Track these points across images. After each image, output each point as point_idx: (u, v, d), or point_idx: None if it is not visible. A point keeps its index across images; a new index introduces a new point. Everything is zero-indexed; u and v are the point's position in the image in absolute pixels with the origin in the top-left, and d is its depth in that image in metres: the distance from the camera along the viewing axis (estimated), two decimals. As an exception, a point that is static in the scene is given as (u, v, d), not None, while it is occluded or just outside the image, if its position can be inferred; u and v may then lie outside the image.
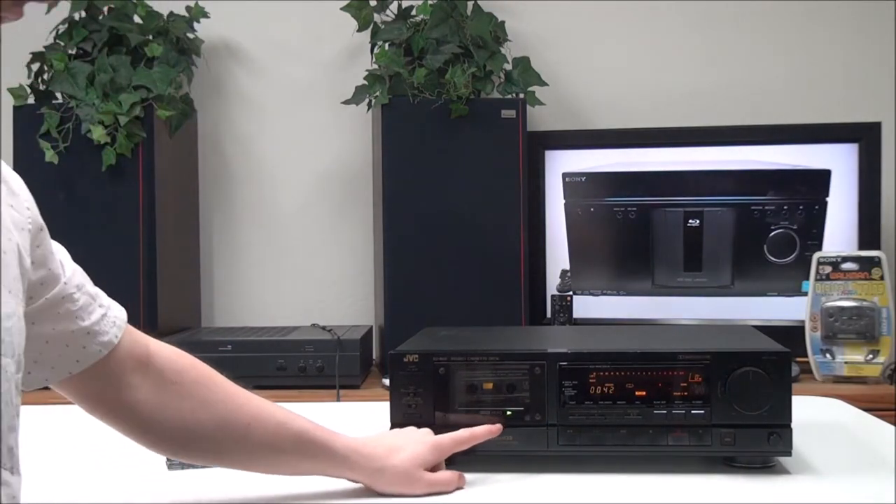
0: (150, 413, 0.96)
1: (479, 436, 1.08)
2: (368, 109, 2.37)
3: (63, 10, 2.32)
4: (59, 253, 0.92)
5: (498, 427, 1.09)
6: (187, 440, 0.98)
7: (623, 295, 2.39)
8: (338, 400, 2.09)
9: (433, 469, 1.06)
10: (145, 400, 0.95)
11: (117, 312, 0.96)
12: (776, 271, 2.31)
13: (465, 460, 1.10)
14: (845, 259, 2.15)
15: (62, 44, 2.32)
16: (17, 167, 2.27)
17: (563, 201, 2.38)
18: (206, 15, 2.45)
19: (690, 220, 2.34)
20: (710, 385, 1.08)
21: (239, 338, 2.23)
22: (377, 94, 2.28)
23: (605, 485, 1.07)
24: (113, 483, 1.02)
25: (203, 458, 1.01)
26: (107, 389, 0.94)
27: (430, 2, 2.32)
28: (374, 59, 2.33)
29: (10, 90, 2.29)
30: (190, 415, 0.97)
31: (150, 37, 2.36)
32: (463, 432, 1.08)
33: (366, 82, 2.32)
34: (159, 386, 0.96)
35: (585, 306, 2.37)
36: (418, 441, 1.07)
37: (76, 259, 0.94)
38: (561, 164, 2.39)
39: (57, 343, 0.90)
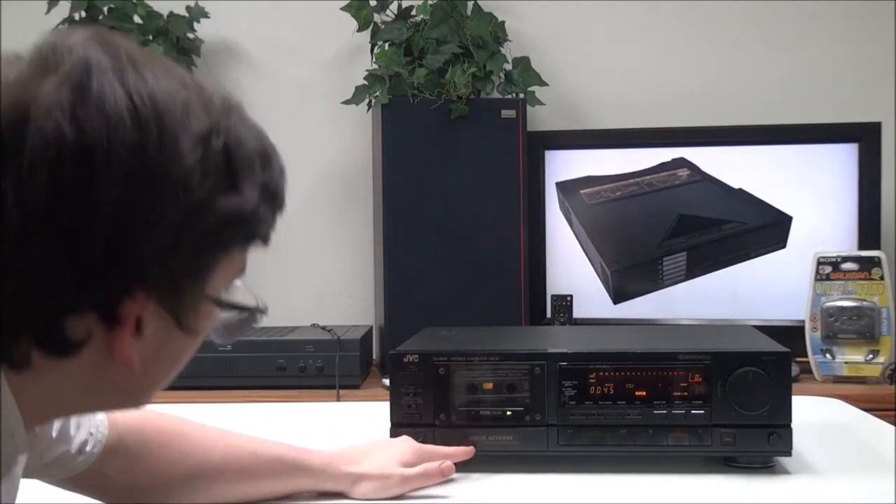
0: (121, 485, 0.96)
1: (452, 455, 1.09)
2: (368, 109, 2.37)
3: (63, 10, 2.32)
4: None
5: (471, 449, 1.10)
6: (163, 498, 0.98)
7: (623, 295, 2.38)
8: (338, 400, 2.08)
9: None
10: (115, 476, 0.96)
11: (101, 429, 0.94)
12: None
13: (466, 460, 1.11)
14: (845, 259, 2.15)
15: (62, 44, 2.32)
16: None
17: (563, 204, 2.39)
18: (206, 15, 2.45)
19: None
20: (710, 385, 1.08)
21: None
22: (377, 94, 2.28)
23: (605, 485, 1.07)
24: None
25: None
26: (77, 476, 0.94)
27: (430, 2, 2.32)
28: (374, 59, 2.33)
29: (11, 90, 2.29)
30: (161, 476, 0.98)
31: (150, 37, 2.35)
32: (442, 448, 1.09)
33: (366, 82, 2.32)
34: (128, 461, 0.96)
35: (585, 306, 2.36)
36: (399, 445, 1.08)
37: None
38: (561, 164, 2.39)
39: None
